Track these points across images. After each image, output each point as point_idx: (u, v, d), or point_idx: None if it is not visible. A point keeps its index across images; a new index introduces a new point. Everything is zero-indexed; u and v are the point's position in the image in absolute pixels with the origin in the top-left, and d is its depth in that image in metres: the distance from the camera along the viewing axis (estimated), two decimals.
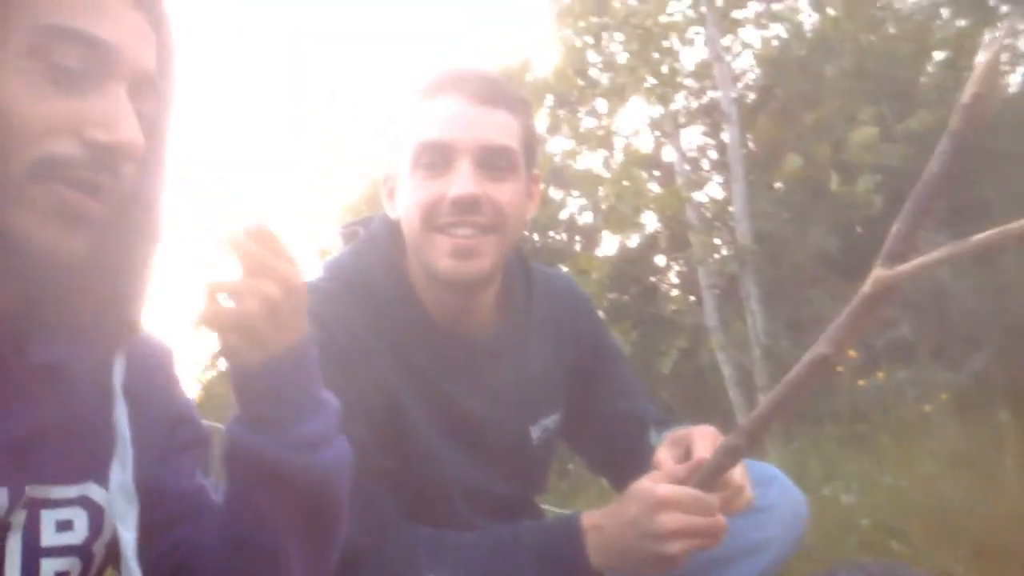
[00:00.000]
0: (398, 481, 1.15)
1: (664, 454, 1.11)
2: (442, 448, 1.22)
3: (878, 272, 0.76)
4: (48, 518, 0.74)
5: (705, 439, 1.09)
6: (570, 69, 5.59)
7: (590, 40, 5.51)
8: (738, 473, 1.07)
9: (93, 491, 0.78)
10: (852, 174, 4.54)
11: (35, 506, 0.73)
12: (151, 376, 0.87)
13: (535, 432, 1.32)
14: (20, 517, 0.72)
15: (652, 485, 1.04)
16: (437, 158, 1.15)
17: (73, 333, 0.76)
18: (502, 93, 1.20)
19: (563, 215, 8.26)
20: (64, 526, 0.75)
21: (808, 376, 0.84)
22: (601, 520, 1.08)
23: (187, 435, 0.91)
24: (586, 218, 8.17)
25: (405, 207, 1.19)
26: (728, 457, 0.97)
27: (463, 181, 1.14)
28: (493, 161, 1.17)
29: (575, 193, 7.82)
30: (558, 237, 8.28)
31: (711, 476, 1.00)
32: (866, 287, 0.78)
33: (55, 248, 0.69)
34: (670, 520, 1.01)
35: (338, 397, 1.12)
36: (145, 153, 0.76)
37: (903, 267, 0.75)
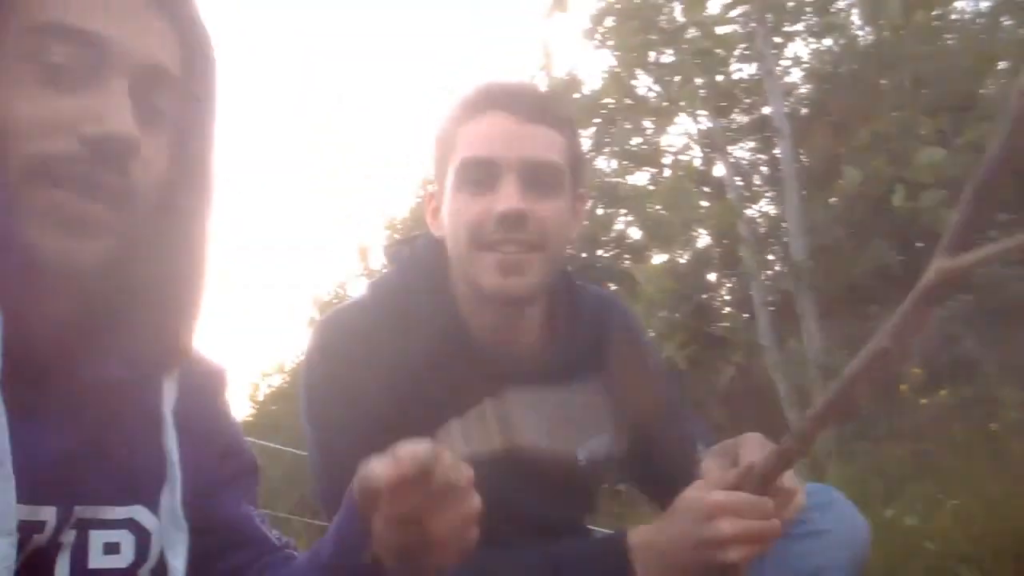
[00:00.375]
0: None
1: (710, 463, 1.08)
2: (487, 470, 1.20)
3: (939, 262, 0.73)
4: (96, 540, 0.73)
5: (752, 445, 1.06)
6: (620, 85, 5.57)
7: (636, 56, 5.49)
8: (788, 478, 1.03)
9: (141, 515, 0.77)
10: (913, 188, 4.42)
11: (84, 526, 0.72)
12: (203, 402, 0.87)
13: (582, 454, 1.29)
14: (70, 537, 0.71)
15: (702, 493, 1.00)
16: (482, 175, 1.15)
17: (123, 354, 0.75)
18: (547, 110, 1.19)
19: (611, 233, 8.22)
20: (111, 548, 0.74)
21: (866, 371, 0.80)
22: (651, 536, 1.05)
23: (236, 464, 0.90)
24: (634, 234, 8.13)
25: (450, 224, 1.18)
26: (781, 460, 0.93)
27: (509, 197, 1.13)
28: (539, 177, 1.16)
29: (622, 211, 7.78)
30: (606, 255, 8.24)
31: (764, 480, 0.96)
32: (927, 277, 0.74)
33: (65, 258, 0.67)
34: (727, 526, 0.96)
35: (384, 415, 1.12)
36: (177, 157, 0.75)
37: (966, 256, 0.71)
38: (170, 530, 0.77)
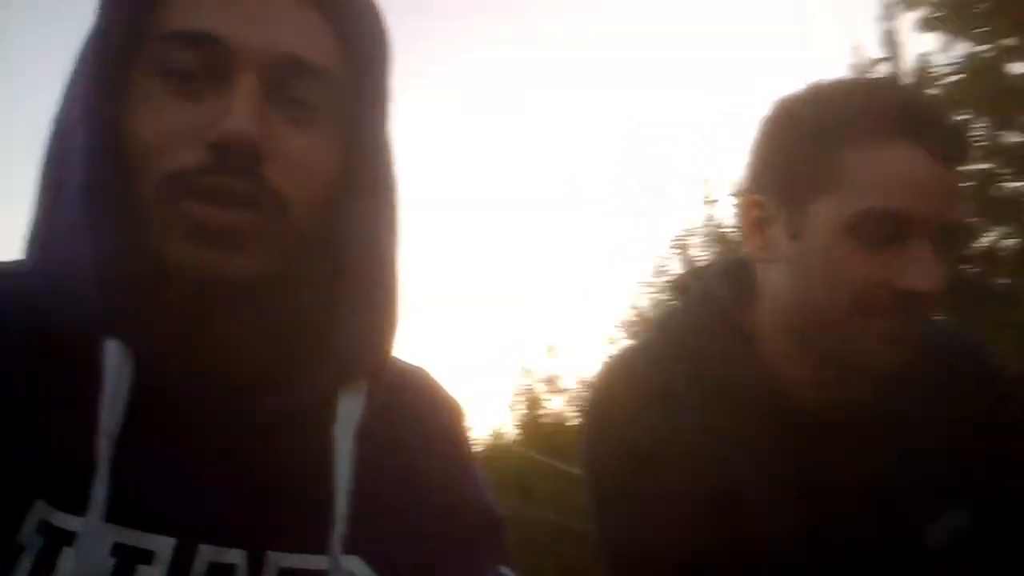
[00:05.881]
0: None
1: None
2: (797, 551, 1.00)
3: None
4: None
5: None
6: (994, 73, 4.76)
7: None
8: None
9: (353, 564, 0.68)
10: None
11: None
12: (409, 437, 0.77)
13: (934, 533, 1.04)
14: None
15: None
16: (887, 231, 0.94)
17: (310, 376, 0.69)
18: (965, 145, 0.99)
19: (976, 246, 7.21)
20: None
21: None
22: None
23: (466, 523, 0.77)
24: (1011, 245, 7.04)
25: (820, 272, 0.98)
26: None
27: (928, 273, 0.92)
28: (948, 243, 0.95)
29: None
30: (972, 269, 7.21)
31: None
32: None
33: (212, 271, 0.64)
34: None
35: (664, 474, 0.99)
36: (352, 159, 0.71)
37: None
38: None
